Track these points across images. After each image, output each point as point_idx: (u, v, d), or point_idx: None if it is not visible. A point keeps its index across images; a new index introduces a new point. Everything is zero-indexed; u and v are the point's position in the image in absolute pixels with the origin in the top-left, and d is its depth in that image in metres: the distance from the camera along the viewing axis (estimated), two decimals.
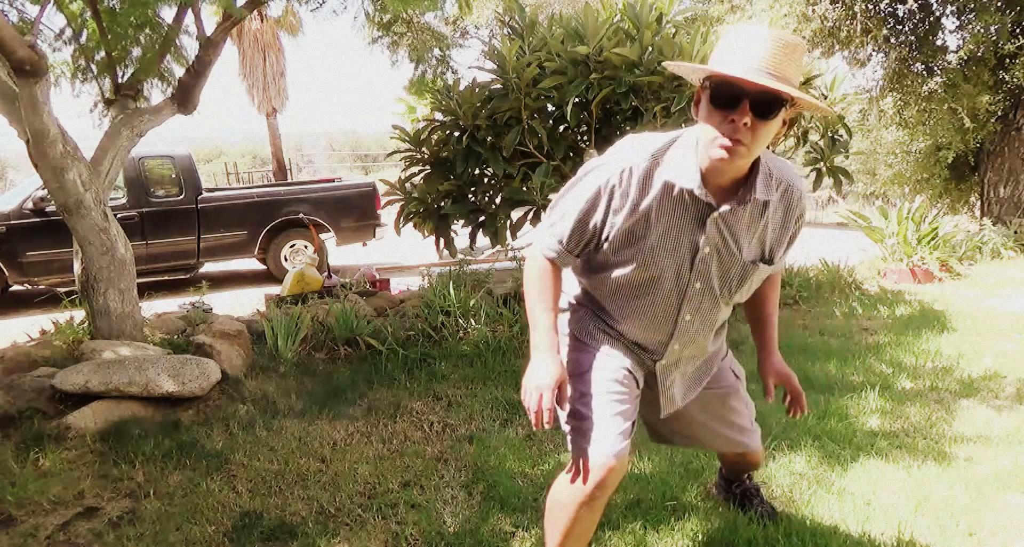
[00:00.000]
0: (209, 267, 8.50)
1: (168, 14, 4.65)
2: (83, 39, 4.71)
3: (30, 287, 7.53)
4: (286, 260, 8.21)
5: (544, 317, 1.69)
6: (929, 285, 6.05)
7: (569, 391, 1.69)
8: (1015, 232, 7.51)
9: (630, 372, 1.76)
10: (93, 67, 4.75)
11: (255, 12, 5.48)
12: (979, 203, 8.74)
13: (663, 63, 1.62)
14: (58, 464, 2.89)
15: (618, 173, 1.59)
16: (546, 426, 1.60)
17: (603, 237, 1.65)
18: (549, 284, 1.72)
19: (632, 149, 1.62)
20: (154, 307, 4.99)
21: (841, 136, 4.60)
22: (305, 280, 5.81)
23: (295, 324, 4.24)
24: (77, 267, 4.18)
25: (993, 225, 7.63)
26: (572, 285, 1.86)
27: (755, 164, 1.57)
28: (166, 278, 7.73)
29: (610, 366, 1.74)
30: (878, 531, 2.24)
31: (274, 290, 6.30)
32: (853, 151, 5.55)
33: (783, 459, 2.74)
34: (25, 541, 2.38)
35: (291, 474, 2.77)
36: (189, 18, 4.59)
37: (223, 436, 3.14)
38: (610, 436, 1.65)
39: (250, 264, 8.89)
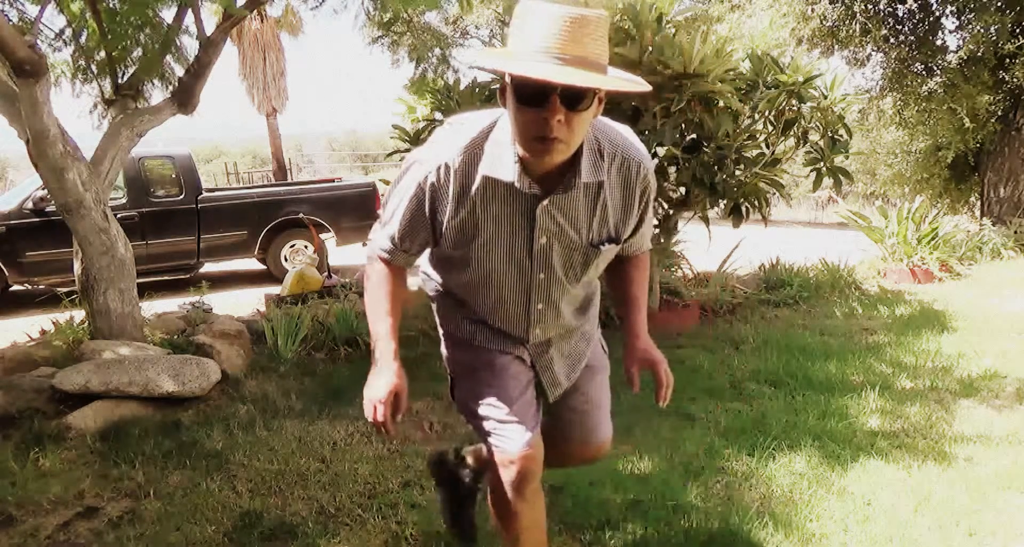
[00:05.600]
0: (209, 267, 8.49)
1: (168, 14, 4.66)
2: (83, 39, 4.71)
3: (30, 287, 7.52)
4: (286, 260, 8.20)
5: (381, 324, 1.63)
6: (929, 285, 6.04)
7: (468, 392, 1.69)
8: (1015, 232, 7.51)
9: (515, 356, 1.71)
10: (93, 67, 4.75)
11: (255, 12, 5.48)
12: (979, 203, 8.73)
13: (462, 55, 1.46)
14: (58, 464, 2.89)
15: (435, 170, 1.48)
16: (391, 437, 1.60)
17: (436, 235, 1.57)
18: (386, 288, 1.65)
19: (447, 141, 1.50)
20: (154, 307, 4.98)
21: (841, 136, 4.59)
22: (305, 280, 5.81)
23: (295, 324, 4.24)
24: (77, 267, 4.18)
25: (993, 225, 7.63)
26: (436, 275, 1.79)
27: (579, 145, 1.44)
28: (166, 278, 7.72)
29: (495, 359, 1.70)
30: (878, 531, 2.24)
31: (274, 290, 6.29)
32: (853, 151, 5.54)
33: (783, 459, 2.74)
34: (25, 541, 2.38)
35: (291, 474, 2.77)
36: (189, 18, 4.59)
37: (223, 436, 3.14)
38: (516, 430, 1.63)
39: (250, 264, 8.88)
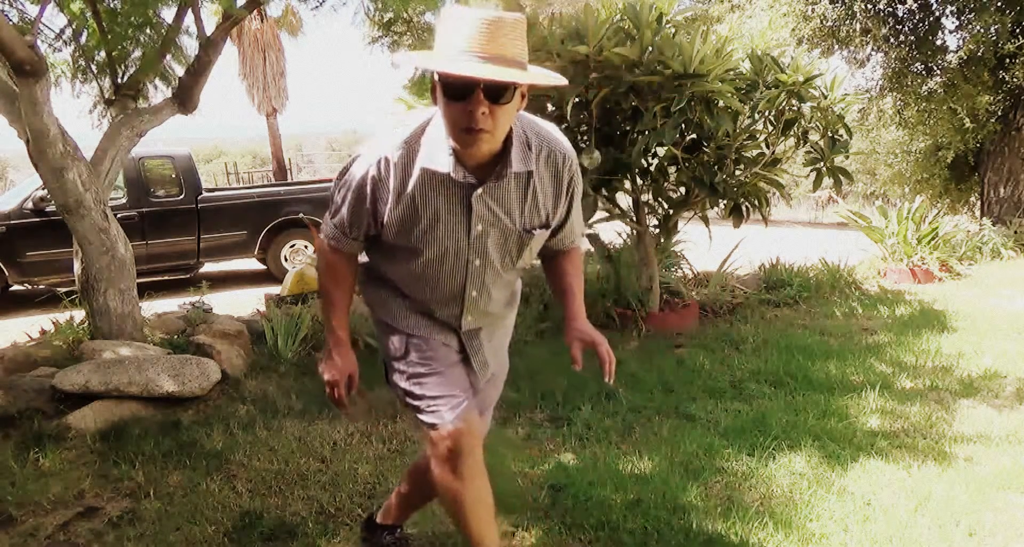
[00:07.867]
0: (209, 267, 8.49)
1: (168, 14, 4.66)
2: (83, 39, 4.71)
3: (30, 287, 7.52)
4: (286, 260, 8.21)
5: (332, 311, 1.80)
6: (929, 285, 6.04)
7: (402, 375, 1.76)
8: (1015, 232, 7.51)
9: (444, 343, 1.80)
10: (93, 67, 4.75)
11: (255, 12, 5.48)
12: (979, 203, 8.73)
13: (392, 57, 1.63)
14: (58, 464, 2.89)
15: (376, 164, 1.60)
16: (348, 413, 1.67)
17: (379, 224, 1.67)
18: (335, 275, 1.79)
19: (387, 138, 1.62)
20: (154, 307, 4.97)
21: (841, 136, 4.59)
22: (305, 280, 5.80)
23: (295, 324, 4.23)
24: (77, 267, 4.18)
25: (993, 225, 7.63)
26: (373, 265, 1.87)
27: (508, 137, 1.57)
28: (166, 278, 7.72)
29: (425, 345, 1.77)
30: (878, 531, 2.24)
31: (274, 290, 6.29)
32: (853, 151, 5.54)
33: (783, 459, 2.74)
34: (25, 541, 2.38)
35: (291, 474, 2.77)
36: (189, 18, 4.59)
37: (223, 436, 3.14)
38: (447, 405, 1.69)
39: (250, 264, 8.88)
